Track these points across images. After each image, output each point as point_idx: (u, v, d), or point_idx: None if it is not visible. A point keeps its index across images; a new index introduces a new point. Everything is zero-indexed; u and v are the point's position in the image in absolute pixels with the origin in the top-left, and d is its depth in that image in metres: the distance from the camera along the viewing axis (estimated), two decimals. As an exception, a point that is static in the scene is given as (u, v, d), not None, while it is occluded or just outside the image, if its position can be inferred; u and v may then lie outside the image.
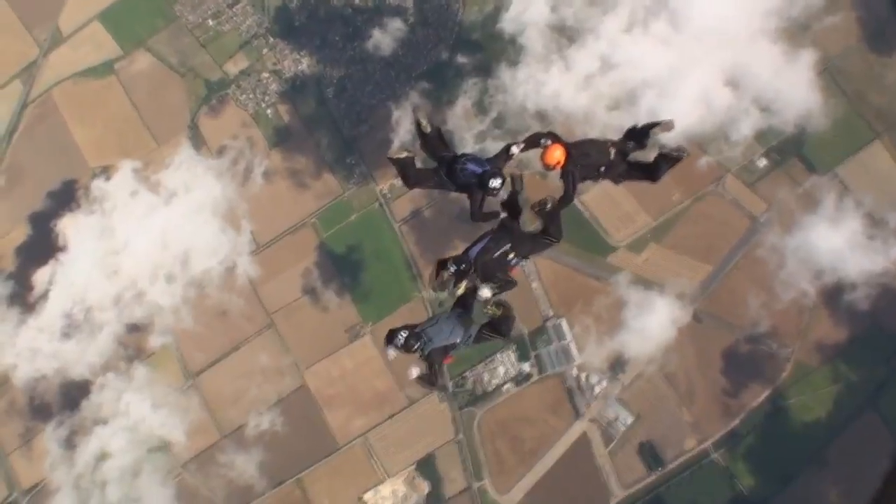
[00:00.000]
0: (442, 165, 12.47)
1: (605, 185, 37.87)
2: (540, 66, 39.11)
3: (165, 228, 43.34)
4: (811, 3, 36.86)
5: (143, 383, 43.73)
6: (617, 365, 39.62)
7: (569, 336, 40.19)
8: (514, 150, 12.42)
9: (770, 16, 36.36)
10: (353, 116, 43.80)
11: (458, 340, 12.13)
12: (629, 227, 40.03)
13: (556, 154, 12.08)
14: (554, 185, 12.56)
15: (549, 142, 12.27)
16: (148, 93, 46.03)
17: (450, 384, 40.57)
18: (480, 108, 41.41)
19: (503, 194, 12.42)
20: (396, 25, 43.27)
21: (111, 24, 46.73)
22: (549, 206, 12.29)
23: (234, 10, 45.45)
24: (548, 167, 12.24)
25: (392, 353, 11.98)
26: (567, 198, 12.43)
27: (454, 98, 42.07)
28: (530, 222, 12.82)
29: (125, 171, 44.46)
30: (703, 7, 35.87)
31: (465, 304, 12.46)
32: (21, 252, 45.93)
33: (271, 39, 45.10)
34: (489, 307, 12.02)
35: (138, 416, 43.20)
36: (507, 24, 40.73)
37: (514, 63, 40.31)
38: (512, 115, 39.54)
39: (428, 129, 12.73)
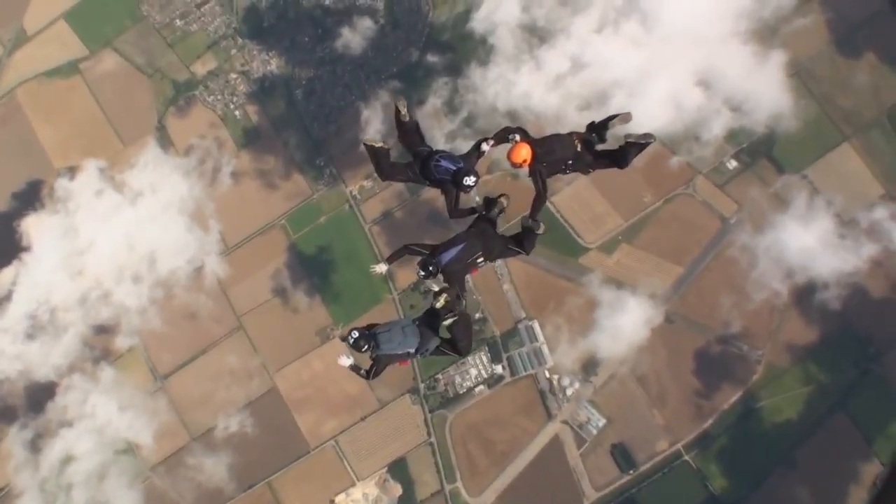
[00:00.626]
0: (416, 161, 12.35)
1: (577, 186, 37.93)
2: (510, 65, 39.08)
3: (131, 228, 42.81)
4: (782, 5, 37.08)
5: (110, 385, 43.10)
6: (589, 366, 39.54)
7: (541, 338, 40.09)
8: (485, 146, 12.37)
9: (741, 17, 36.51)
10: (323, 118, 43.50)
11: (412, 351, 12.01)
12: (601, 228, 39.97)
13: (523, 153, 12.00)
14: (526, 185, 12.54)
15: (518, 137, 12.23)
16: (114, 93, 45.47)
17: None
18: (451, 107, 41.25)
19: (475, 191, 12.46)
20: (366, 25, 43.11)
21: (77, 23, 46.17)
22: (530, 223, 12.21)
23: (202, 10, 45.04)
24: (515, 165, 12.15)
25: (344, 360, 12.13)
26: (540, 197, 12.37)
27: (424, 98, 41.83)
28: (503, 222, 12.75)
29: (90, 171, 43.88)
30: (674, 8, 35.92)
31: (432, 317, 12.18)
32: (-6, 257, 45.10)
33: (240, 40, 44.75)
34: (441, 298, 11.73)
35: (105, 419, 42.57)
36: (478, 23, 40.71)
37: (484, 63, 40.21)
38: (482, 114, 39.58)
39: (407, 118, 12.55)
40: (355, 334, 11.81)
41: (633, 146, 12.09)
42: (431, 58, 42.43)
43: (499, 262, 40.24)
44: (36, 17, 46.49)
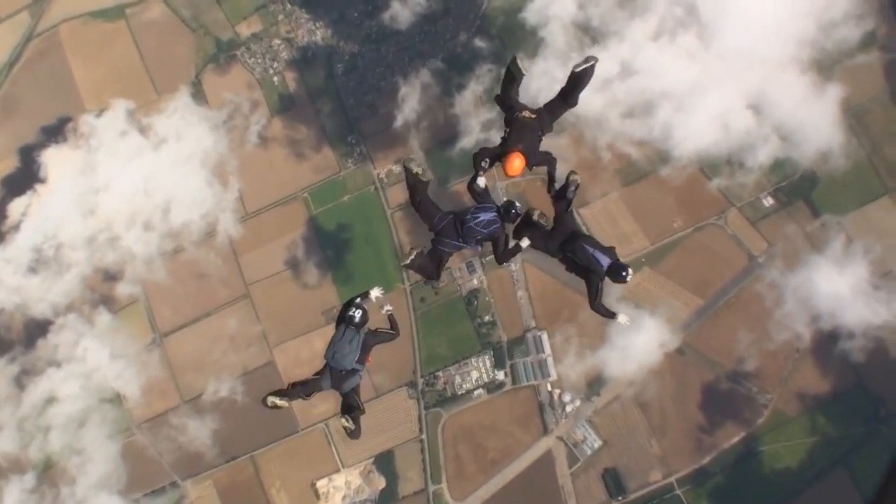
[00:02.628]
0: (449, 230, 11.58)
1: (607, 202, 37.24)
2: (558, 61, 37.93)
3: (150, 174, 42.16)
4: (846, 38, 36.08)
5: (105, 331, 42.47)
6: (594, 383, 38.81)
7: (548, 350, 39.36)
8: (481, 181, 11.73)
9: (803, 44, 35.63)
10: (360, 95, 42.87)
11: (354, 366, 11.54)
12: (625, 247, 39.11)
13: (517, 163, 11.42)
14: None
15: (487, 163, 11.60)
16: (156, 42, 45.00)
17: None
18: (490, 96, 40.19)
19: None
20: (417, 3, 42.41)
21: (129, -34, 45.64)
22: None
23: (256, -30, 44.44)
24: (514, 176, 11.72)
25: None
26: (552, 164, 11.88)
27: (465, 83, 41.16)
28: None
29: (118, 111, 43.31)
30: (735, 26, 35.04)
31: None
32: (6, 183, 44.68)
33: (288, 6, 44.20)
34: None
35: (94, 364, 41.93)
36: (531, 14, 39.96)
37: (531, 55, 39.17)
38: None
39: (425, 179, 11.96)
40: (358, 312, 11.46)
41: (576, 76, 11.44)
42: (479, 42, 41.71)
43: (516, 265, 39.69)
44: (89, -45, 46.08)
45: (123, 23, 45.40)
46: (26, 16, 46.12)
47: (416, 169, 11.73)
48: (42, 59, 45.78)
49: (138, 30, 45.28)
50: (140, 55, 45.00)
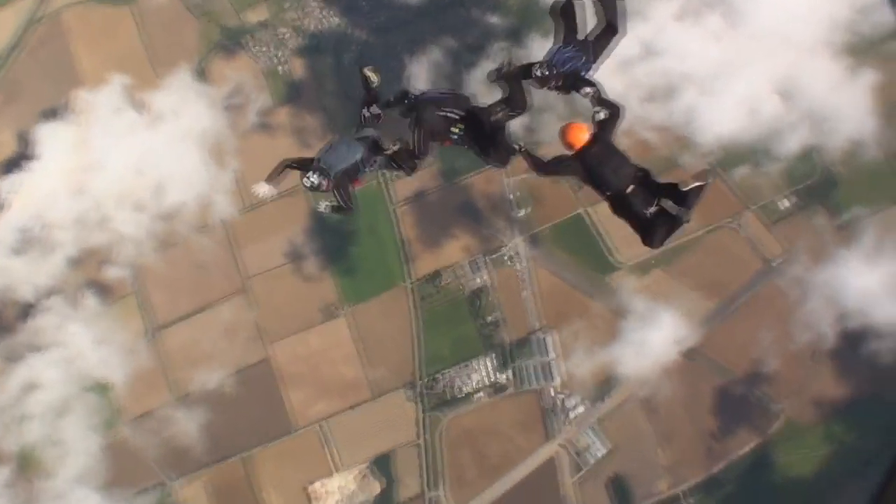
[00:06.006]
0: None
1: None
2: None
3: (145, 152, 41.03)
4: (882, 22, 34.70)
5: (91, 316, 41.19)
6: (604, 383, 37.57)
7: (553, 353, 38.17)
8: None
9: (837, 27, 34.50)
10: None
11: (359, 157, 11.77)
12: (636, 248, 37.82)
13: (582, 136, 11.07)
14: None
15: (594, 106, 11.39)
16: (160, 29, 44.17)
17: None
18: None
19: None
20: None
21: (134, -49, 45.05)
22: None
23: (264, -43, 43.79)
24: (567, 144, 11.24)
25: (323, 204, 11.92)
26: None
27: (476, 61, 39.92)
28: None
29: (114, 85, 42.35)
30: (765, 7, 33.89)
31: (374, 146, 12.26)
32: (6, 168, 43.63)
33: (296, -6, 43.40)
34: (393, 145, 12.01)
35: (78, 350, 40.62)
36: (549, -9, 38.91)
37: (547, 34, 38.16)
38: (534, 89, 38.01)
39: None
40: (313, 177, 11.34)
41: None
42: (492, 18, 40.65)
43: (523, 264, 38.67)
44: (94, -61, 45.48)
45: (128, 9, 44.60)
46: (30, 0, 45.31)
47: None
48: (44, 44, 44.96)
49: (142, 16, 44.41)
50: (143, 42, 44.14)
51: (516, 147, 11.32)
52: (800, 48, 34.24)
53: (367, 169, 12.00)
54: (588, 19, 12.15)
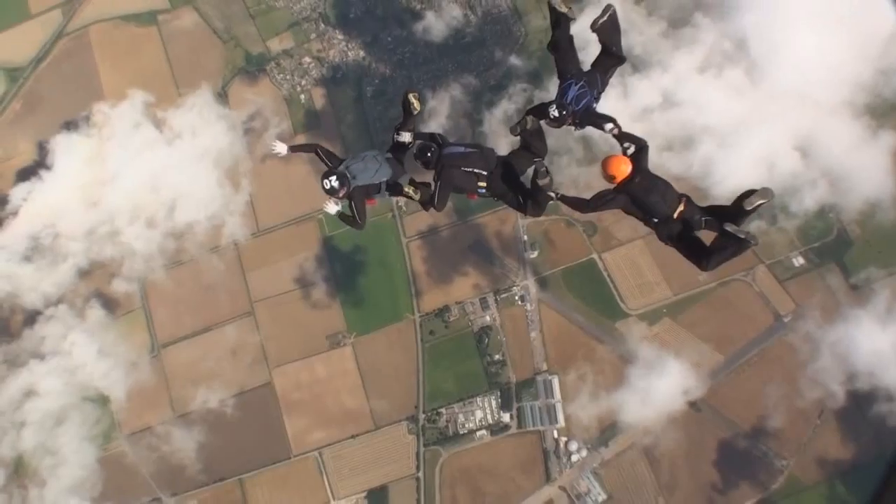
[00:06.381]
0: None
1: (631, 248, 36.24)
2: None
3: (160, 169, 41.17)
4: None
5: (96, 327, 41.26)
6: (607, 429, 37.27)
7: (557, 395, 37.93)
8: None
9: (858, 89, 34.46)
10: (387, 122, 41.92)
11: (385, 180, 11.64)
12: (647, 296, 38.01)
13: (624, 168, 10.77)
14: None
15: (625, 148, 11.13)
16: (185, 51, 44.54)
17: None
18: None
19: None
20: (454, 32, 41.87)
21: (165, -26, 45.54)
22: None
23: (292, -13, 44.16)
24: (607, 176, 10.98)
25: (331, 207, 11.60)
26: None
27: (497, 100, 40.16)
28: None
29: (134, 101, 42.62)
30: (788, 66, 33.93)
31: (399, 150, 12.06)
32: (22, 176, 43.75)
33: (322, 26, 43.70)
34: (408, 188, 11.82)
35: (80, 360, 40.65)
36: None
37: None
38: (554, 131, 38.27)
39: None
40: (334, 181, 11.08)
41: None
42: (515, 60, 40.87)
43: (532, 305, 38.55)
44: (124, -40, 46.00)
45: (155, 28, 45.00)
46: (58, 14, 45.75)
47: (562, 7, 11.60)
48: (69, 58, 45.32)
49: (168, 37, 44.86)
50: (168, 62, 44.50)
51: (552, 195, 11.26)
52: (821, 107, 34.29)
53: (387, 193, 11.84)
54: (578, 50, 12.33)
